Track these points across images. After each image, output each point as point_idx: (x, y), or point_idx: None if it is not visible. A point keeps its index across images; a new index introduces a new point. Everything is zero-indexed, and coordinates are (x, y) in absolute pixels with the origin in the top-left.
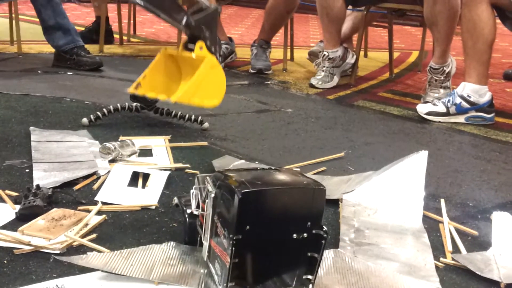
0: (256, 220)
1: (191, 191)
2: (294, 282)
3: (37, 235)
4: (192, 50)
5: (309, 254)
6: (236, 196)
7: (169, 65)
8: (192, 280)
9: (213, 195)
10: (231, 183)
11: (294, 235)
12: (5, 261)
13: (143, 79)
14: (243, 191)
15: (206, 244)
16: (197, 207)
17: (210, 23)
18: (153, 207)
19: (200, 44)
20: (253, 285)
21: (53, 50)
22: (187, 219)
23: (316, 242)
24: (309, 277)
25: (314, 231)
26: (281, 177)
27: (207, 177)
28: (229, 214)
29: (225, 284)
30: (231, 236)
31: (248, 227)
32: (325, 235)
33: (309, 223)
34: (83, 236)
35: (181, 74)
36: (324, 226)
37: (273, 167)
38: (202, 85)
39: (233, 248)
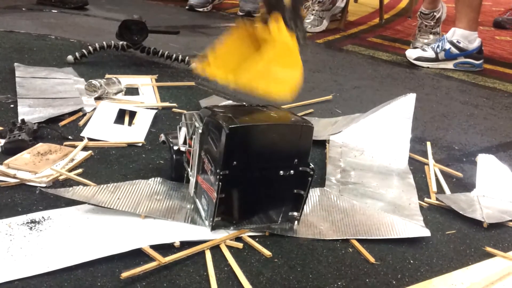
0: (243, 155)
1: (178, 127)
2: (280, 218)
3: (22, 168)
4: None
5: (295, 191)
6: (224, 131)
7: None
8: (178, 215)
9: (200, 130)
10: (218, 118)
11: (281, 172)
12: None
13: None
14: (230, 126)
15: (193, 180)
16: (184, 143)
17: None
18: (140, 144)
19: (275, 17)
20: (239, 220)
21: None
22: (174, 155)
23: (303, 179)
24: (295, 213)
25: (300, 168)
26: (269, 114)
27: (194, 113)
28: (216, 150)
29: (211, 219)
30: (218, 171)
31: (235, 162)
32: (311, 172)
33: (296, 160)
34: (69, 171)
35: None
36: (311, 164)
37: (261, 105)
38: (270, 70)
39: (220, 183)
